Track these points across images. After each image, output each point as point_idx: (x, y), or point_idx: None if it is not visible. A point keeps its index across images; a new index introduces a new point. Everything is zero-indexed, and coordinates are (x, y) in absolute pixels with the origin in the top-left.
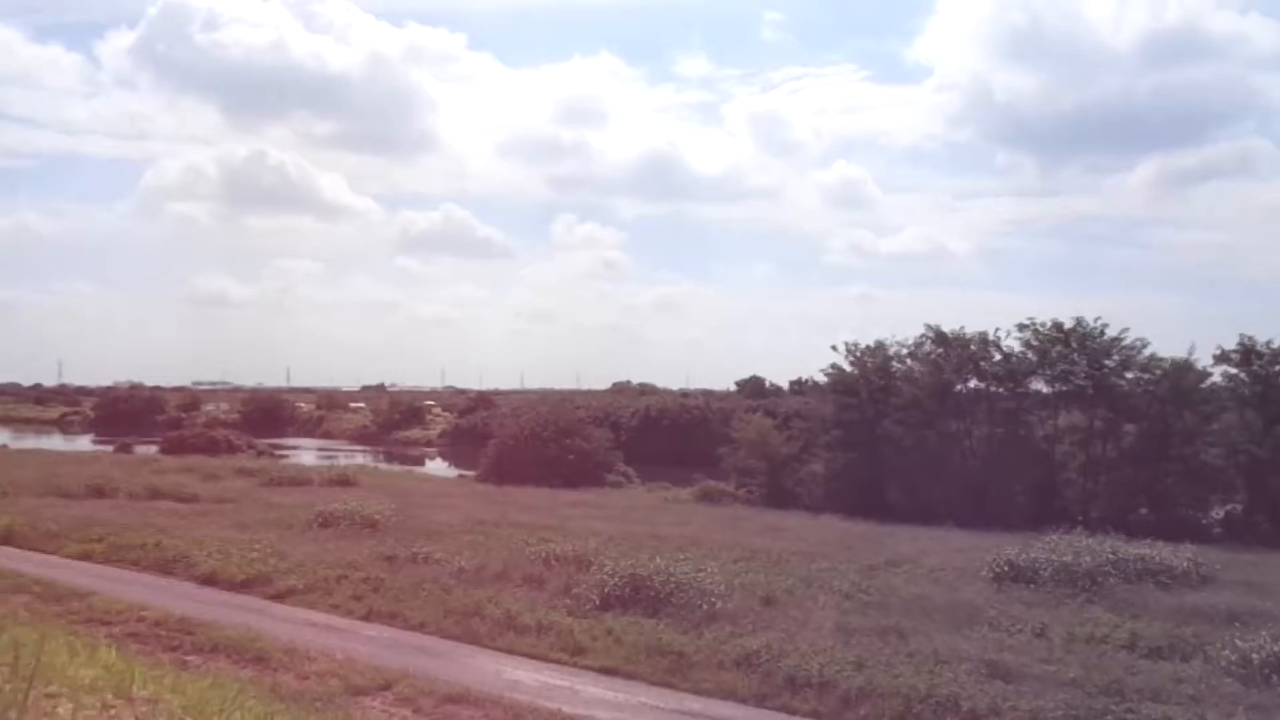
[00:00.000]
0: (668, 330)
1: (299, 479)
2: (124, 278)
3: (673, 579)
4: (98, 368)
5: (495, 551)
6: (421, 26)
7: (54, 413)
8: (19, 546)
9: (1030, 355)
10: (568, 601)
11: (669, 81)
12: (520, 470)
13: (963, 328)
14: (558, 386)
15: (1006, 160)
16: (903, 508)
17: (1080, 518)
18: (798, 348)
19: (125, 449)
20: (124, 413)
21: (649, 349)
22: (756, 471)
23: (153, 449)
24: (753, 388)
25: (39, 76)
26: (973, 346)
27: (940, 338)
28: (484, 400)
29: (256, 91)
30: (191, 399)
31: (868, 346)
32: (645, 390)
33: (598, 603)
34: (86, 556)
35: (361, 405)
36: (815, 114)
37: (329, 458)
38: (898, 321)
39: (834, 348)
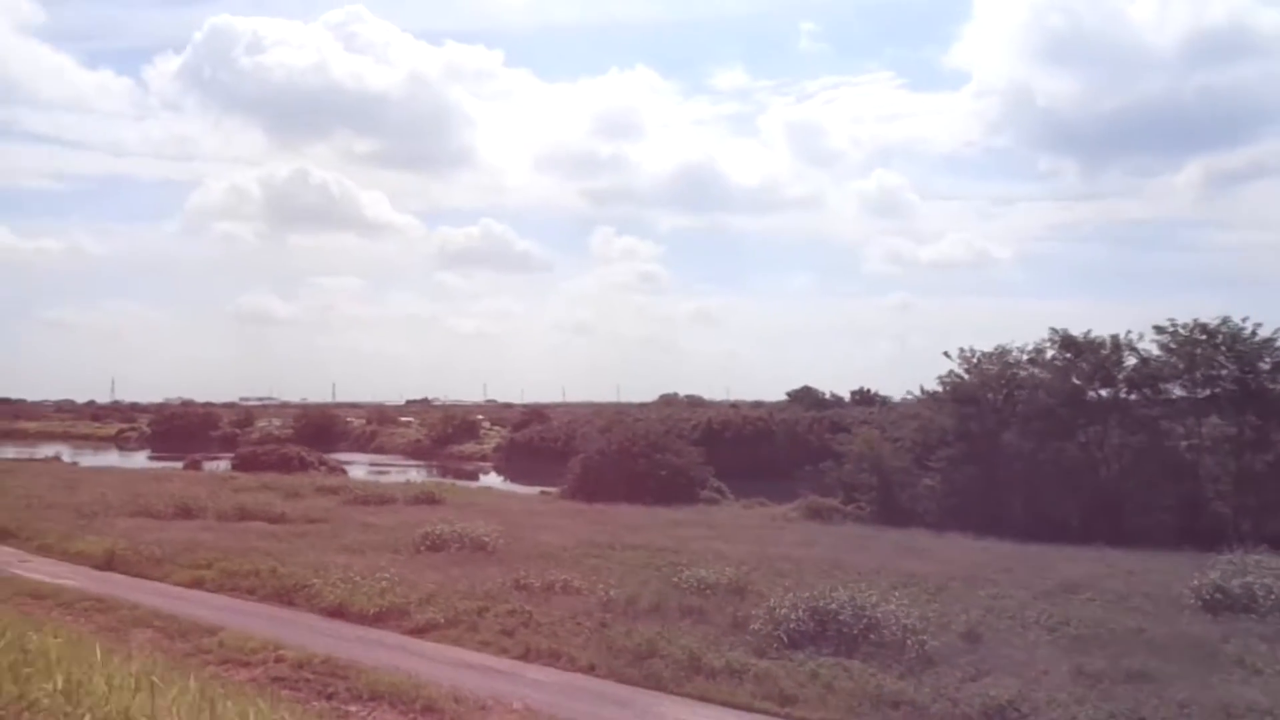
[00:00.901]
0: (706, 342)
1: (383, 497)
2: (171, 296)
3: (864, 613)
4: (148, 384)
5: (630, 577)
6: (459, 44)
7: (111, 429)
8: (124, 572)
9: (1175, 360)
10: (747, 638)
11: (704, 94)
12: (608, 487)
13: (1089, 331)
14: (599, 399)
15: (1047, 165)
16: (1029, 524)
17: (1233, 534)
18: (838, 358)
19: (195, 465)
20: (179, 429)
21: (688, 361)
22: (866, 486)
23: (221, 465)
24: (805, 398)
25: (90, 101)
26: (1105, 350)
27: (1067, 342)
28: (537, 414)
29: (299, 112)
30: (245, 415)
31: (987, 353)
32: (694, 402)
33: (786, 640)
34: (198, 584)
35: (410, 419)
36: (852, 123)
37: (381, 472)
38: (938, 330)
39: (946, 354)
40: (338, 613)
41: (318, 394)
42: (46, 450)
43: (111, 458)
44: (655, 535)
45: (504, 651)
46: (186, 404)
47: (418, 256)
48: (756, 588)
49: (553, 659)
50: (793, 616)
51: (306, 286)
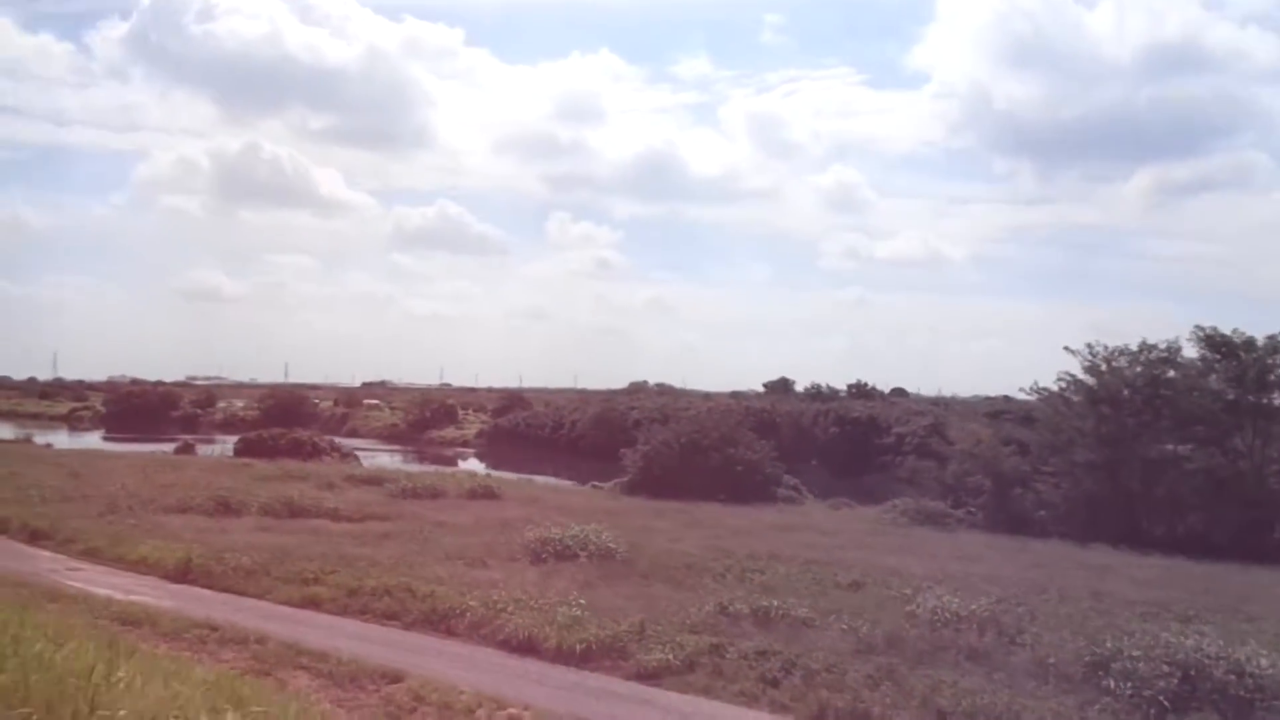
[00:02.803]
0: (662, 330)
1: (435, 490)
2: (117, 271)
3: (1242, 668)
4: (91, 362)
5: (828, 600)
6: (419, 21)
7: (62, 408)
8: (206, 586)
9: None
10: (1106, 699)
11: (666, 81)
12: (675, 482)
13: (1235, 330)
14: (556, 385)
15: (1003, 167)
16: (1167, 537)
17: None
18: (795, 350)
19: (188, 449)
20: (136, 408)
21: (644, 349)
22: (975, 490)
23: (215, 448)
24: (782, 389)
25: (30, 66)
26: (1256, 351)
27: (1214, 341)
28: (517, 400)
29: (251, 84)
30: (206, 395)
31: (1123, 350)
32: (664, 390)
33: (1167, 704)
34: (312, 604)
35: (376, 402)
36: (812, 117)
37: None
38: (893, 326)
39: (1070, 350)
40: (527, 648)
41: (268, 374)
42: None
43: (62, 438)
44: (778, 542)
45: (784, 709)
46: (137, 382)
47: (373, 236)
48: (1003, 620)
49: None
50: (1158, 672)
51: (257, 264)
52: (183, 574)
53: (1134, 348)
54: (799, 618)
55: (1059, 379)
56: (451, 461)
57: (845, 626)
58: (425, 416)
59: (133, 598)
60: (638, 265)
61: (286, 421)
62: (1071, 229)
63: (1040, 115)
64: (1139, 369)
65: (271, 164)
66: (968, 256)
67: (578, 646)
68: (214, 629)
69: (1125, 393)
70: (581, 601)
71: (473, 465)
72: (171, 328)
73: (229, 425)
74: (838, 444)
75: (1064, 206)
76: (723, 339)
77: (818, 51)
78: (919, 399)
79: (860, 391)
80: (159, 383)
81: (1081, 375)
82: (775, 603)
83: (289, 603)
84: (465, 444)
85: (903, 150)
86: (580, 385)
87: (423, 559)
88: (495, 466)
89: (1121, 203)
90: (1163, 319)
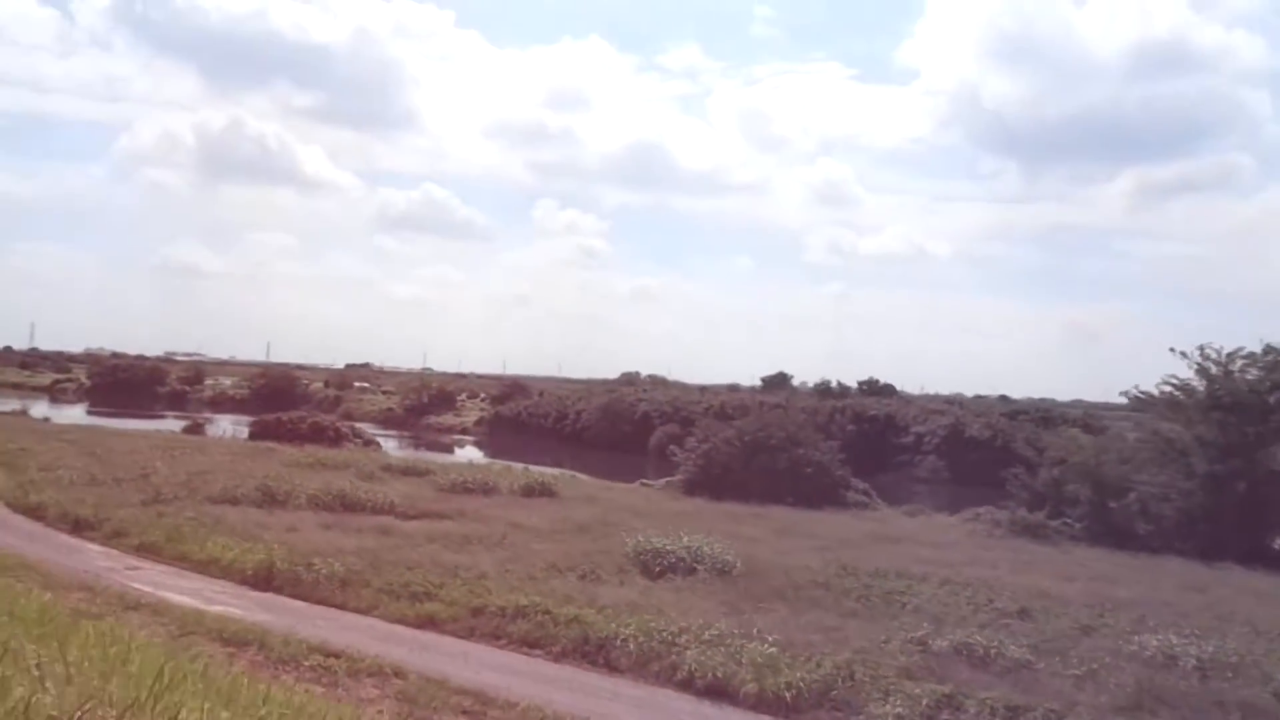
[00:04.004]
0: (646, 321)
1: (486, 486)
2: (95, 243)
3: None
4: (68, 333)
5: (1007, 631)
6: (408, 1)
7: (44, 379)
8: (298, 597)
9: None
10: None
11: (654, 71)
12: (737, 482)
13: None
14: (540, 373)
15: (990, 166)
16: None
17: None
18: (778, 344)
19: (197, 429)
20: (122, 382)
21: (628, 339)
22: (1072, 500)
23: (225, 429)
24: (779, 384)
25: (10, 32)
26: None
27: None
28: (517, 388)
29: (237, 58)
30: (194, 372)
31: (1239, 352)
32: (656, 382)
33: None
34: (431, 624)
35: (365, 384)
36: (800, 111)
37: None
38: (876, 322)
39: (1179, 353)
40: (718, 692)
41: (247, 352)
42: None
43: (46, 409)
44: (889, 555)
45: None
46: (117, 355)
47: (356, 218)
48: (1244, 664)
49: None
50: None
51: (238, 241)
52: (265, 580)
53: (1254, 349)
54: (1014, 659)
55: (1164, 382)
56: (448, 449)
57: (1078, 672)
58: (423, 402)
59: (218, 609)
60: (623, 255)
61: (278, 402)
62: (1055, 228)
63: (1027, 114)
64: (1258, 372)
65: (255, 140)
66: (952, 254)
67: (786, 694)
68: (335, 655)
69: (1254, 399)
70: (770, 636)
71: (470, 453)
72: (150, 302)
73: (218, 404)
74: (853, 442)
75: (1049, 206)
76: (707, 331)
77: (807, 45)
78: (904, 395)
79: (873, 389)
80: (140, 357)
81: (1194, 380)
82: (979, 639)
83: (403, 622)
84: (464, 431)
85: (890, 146)
86: (564, 374)
87: (526, 569)
88: (495, 455)
89: (1105, 203)
90: (1144, 319)
